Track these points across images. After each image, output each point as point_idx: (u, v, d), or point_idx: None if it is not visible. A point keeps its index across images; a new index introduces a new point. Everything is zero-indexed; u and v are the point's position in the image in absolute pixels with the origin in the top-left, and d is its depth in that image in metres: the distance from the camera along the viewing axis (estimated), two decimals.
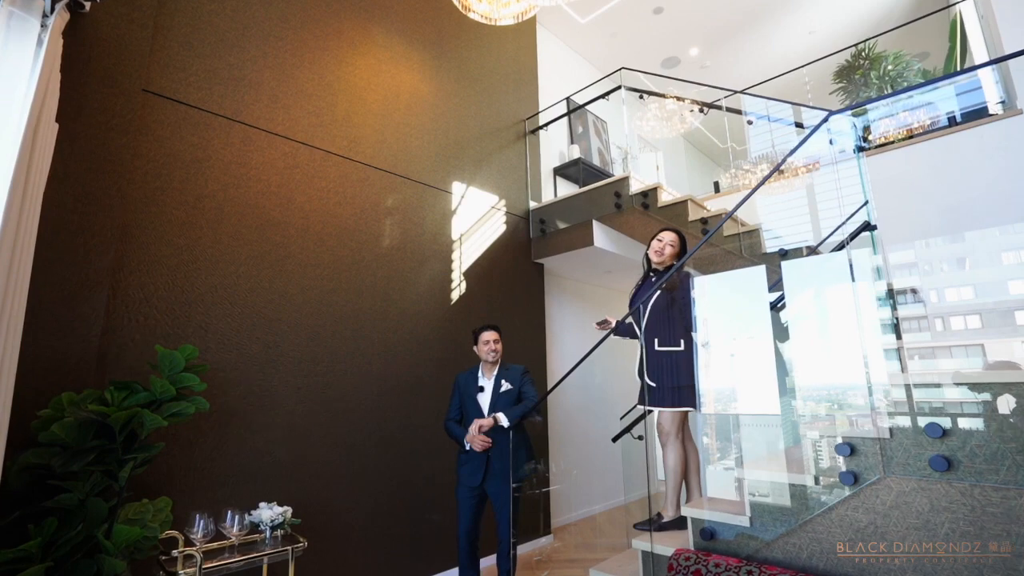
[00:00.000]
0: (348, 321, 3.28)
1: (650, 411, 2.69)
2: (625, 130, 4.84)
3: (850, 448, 1.70)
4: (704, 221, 3.62)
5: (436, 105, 4.22)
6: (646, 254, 2.91)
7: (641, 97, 4.31)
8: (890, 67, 5.01)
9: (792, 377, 2.01)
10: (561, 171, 5.59)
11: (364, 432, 3.23)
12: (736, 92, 3.80)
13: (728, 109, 3.75)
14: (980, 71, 3.35)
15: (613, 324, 2.85)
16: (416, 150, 3.96)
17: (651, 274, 2.88)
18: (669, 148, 8.18)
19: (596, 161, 5.91)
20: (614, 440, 3.49)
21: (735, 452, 2.43)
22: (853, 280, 2.03)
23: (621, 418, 3.62)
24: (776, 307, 2.33)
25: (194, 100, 2.79)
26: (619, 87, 4.50)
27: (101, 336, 2.27)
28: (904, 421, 1.65)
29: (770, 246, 3.64)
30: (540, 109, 5.35)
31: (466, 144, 4.42)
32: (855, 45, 5.19)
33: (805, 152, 3.41)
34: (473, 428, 2.72)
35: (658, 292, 2.71)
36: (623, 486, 5.74)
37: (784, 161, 2.32)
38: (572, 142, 5.86)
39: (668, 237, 2.82)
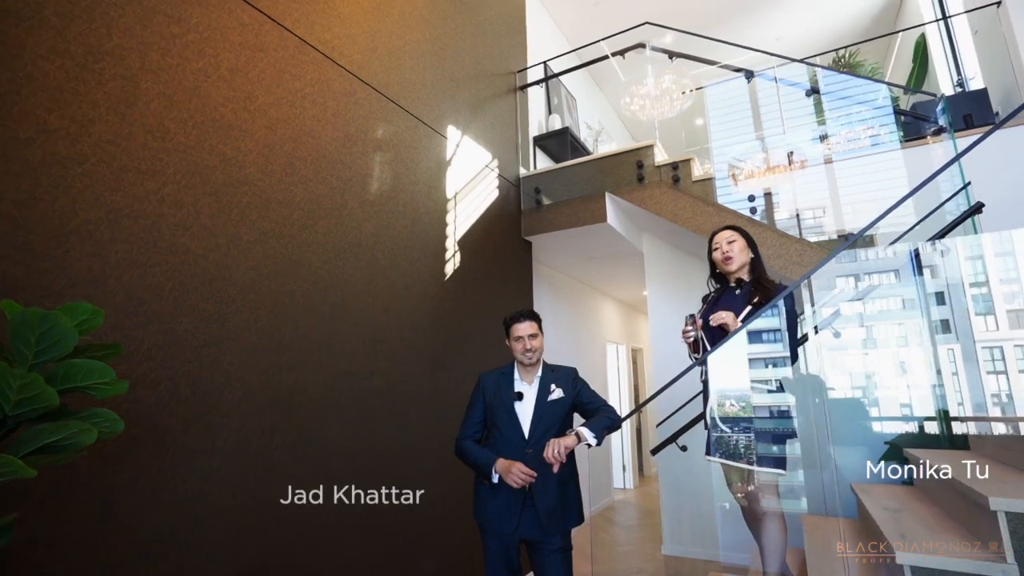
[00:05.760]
0: (326, 290, 2.25)
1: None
2: (653, 93, 4.29)
3: None
4: (751, 198, 3.18)
5: (433, 24, 3.27)
6: (713, 273, 2.26)
7: (671, 58, 3.77)
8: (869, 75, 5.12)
9: None
10: (541, 142, 4.89)
11: (347, 455, 2.22)
12: (795, 60, 3.43)
13: (777, 80, 3.37)
14: None
15: (699, 331, 2.16)
16: (410, 74, 2.99)
17: (732, 285, 2.17)
18: (622, 140, 7.90)
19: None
20: (654, 452, 2.87)
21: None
22: None
23: (657, 426, 3.03)
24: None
25: None
26: (640, 44, 3.93)
27: None
28: None
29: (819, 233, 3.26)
30: (529, 65, 4.61)
31: (462, 83, 3.52)
32: (835, 50, 5.25)
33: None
34: (553, 451, 1.79)
35: (747, 306, 2.07)
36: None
37: (968, 149, 1.84)
38: (551, 112, 5.21)
39: (724, 236, 2.17)
